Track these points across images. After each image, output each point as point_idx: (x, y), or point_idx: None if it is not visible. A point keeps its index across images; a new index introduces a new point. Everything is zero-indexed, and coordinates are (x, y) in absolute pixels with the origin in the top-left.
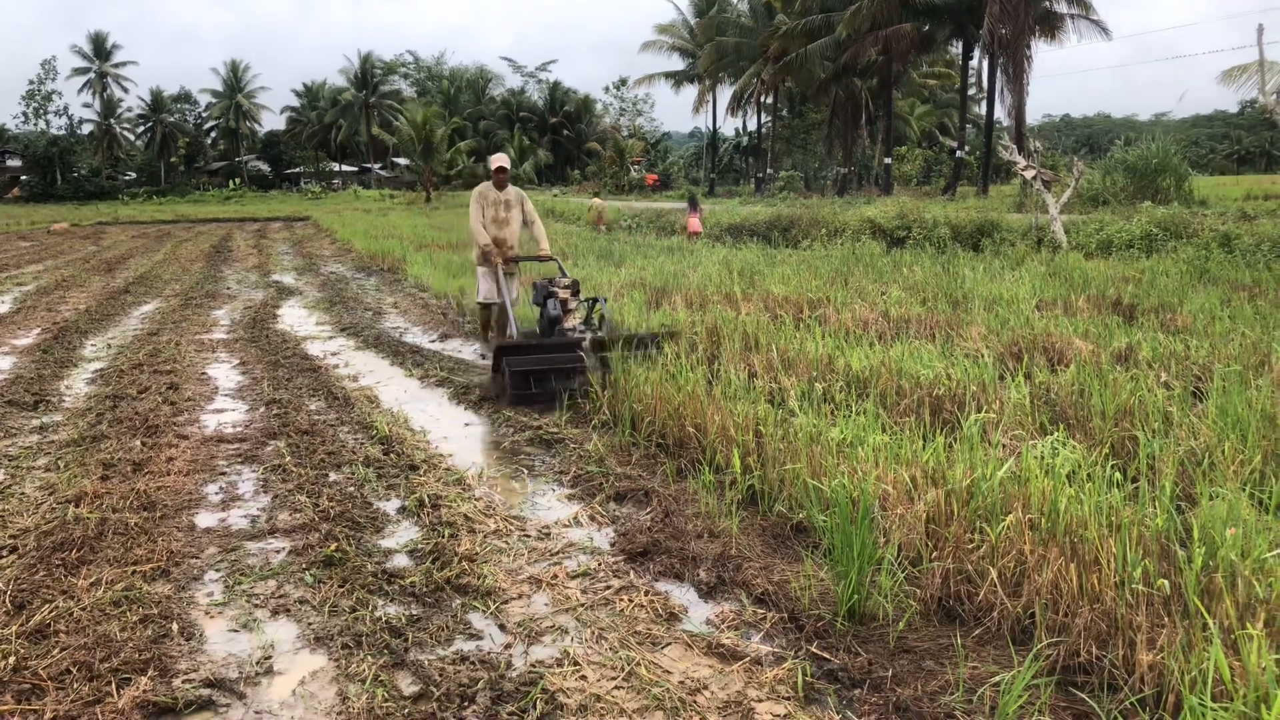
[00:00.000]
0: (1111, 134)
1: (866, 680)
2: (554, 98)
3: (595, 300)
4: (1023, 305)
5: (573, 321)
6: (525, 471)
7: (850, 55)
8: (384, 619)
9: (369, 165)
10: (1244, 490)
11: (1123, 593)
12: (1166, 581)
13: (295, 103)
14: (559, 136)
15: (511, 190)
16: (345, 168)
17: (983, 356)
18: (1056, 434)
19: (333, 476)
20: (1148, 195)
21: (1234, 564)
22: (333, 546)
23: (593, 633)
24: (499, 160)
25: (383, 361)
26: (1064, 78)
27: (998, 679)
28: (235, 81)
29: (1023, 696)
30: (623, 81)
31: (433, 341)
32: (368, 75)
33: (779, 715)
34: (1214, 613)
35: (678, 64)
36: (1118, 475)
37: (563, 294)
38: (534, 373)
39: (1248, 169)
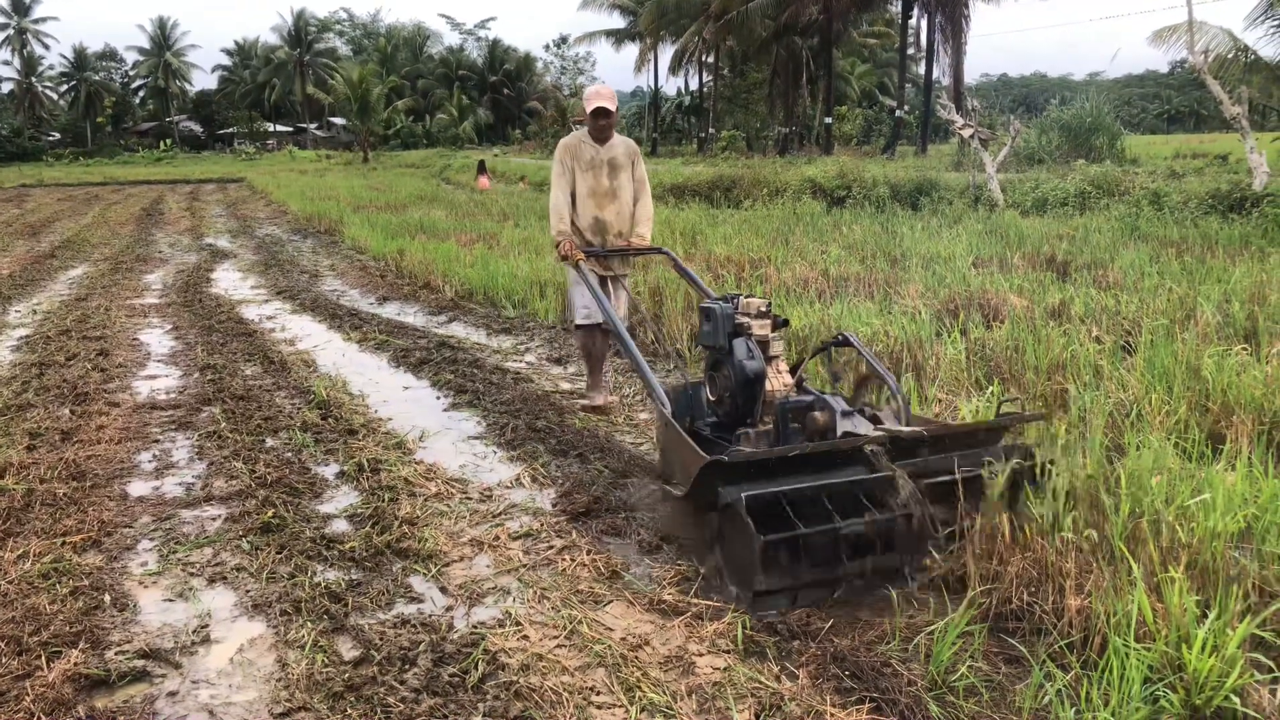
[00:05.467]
0: (1047, 93)
1: (805, 632)
2: (494, 56)
3: (835, 343)
4: (959, 263)
5: (781, 381)
6: (466, 433)
7: (791, 13)
8: (323, 584)
9: (304, 125)
10: (1169, 439)
11: (1053, 541)
12: (1094, 531)
13: (227, 61)
14: (499, 95)
15: (619, 143)
16: (280, 128)
17: (920, 314)
18: (992, 388)
19: (270, 442)
20: (1082, 154)
21: (1159, 511)
22: (270, 513)
23: (535, 593)
24: (599, 98)
25: (320, 325)
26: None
27: (933, 628)
28: (163, 39)
29: (956, 644)
30: (563, 39)
31: (372, 304)
32: (302, 33)
33: (719, 668)
34: (1139, 558)
35: (619, 22)
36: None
37: (758, 328)
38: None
39: (1178, 128)
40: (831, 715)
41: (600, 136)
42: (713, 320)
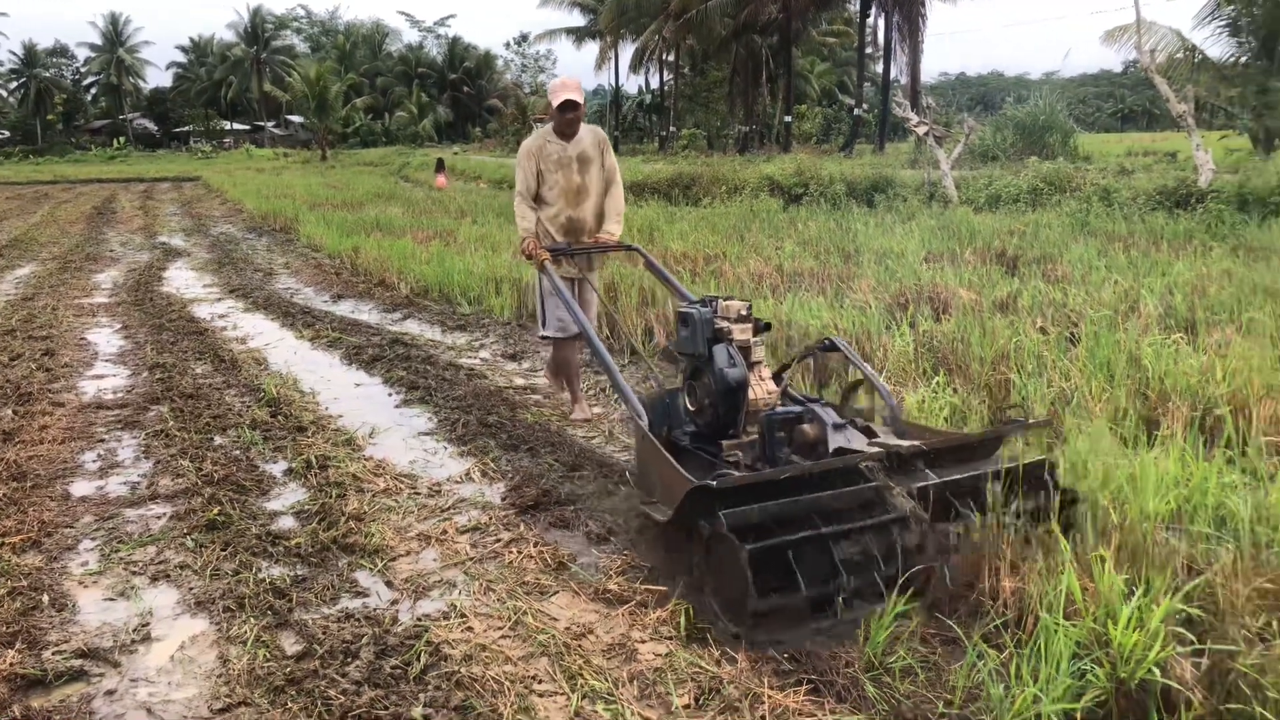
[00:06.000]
0: (1004, 92)
1: None
2: (453, 54)
3: (821, 348)
4: (911, 258)
5: (764, 389)
6: (417, 429)
7: (750, 12)
8: (268, 581)
9: (262, 123)
10: (1107, 426)
11: (991, 524)
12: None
13: (182, 58)
14: (459, 93)
15: (586, 134)
16: (237, 126)
17: (870, 307)
18: (938, 378)
19: (218, 440)
20: (1035, 151)
21: (1094, 492)
22: (216, 510)
23: (481, 585)
24: (566, 90)
25: (273, 323)
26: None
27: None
28: (116, 35)
29: (892, 625)
30: (524, 37)
31: (326, 302)
32: (258, 30)
33: (661, 654)
34: (1074, 539)
35: (579, 20)
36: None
37: (739, 333)
38: (791, 549)
39: (1131, 126)
40: (769, 697)
41: (568, 131)
42: (691, 326)
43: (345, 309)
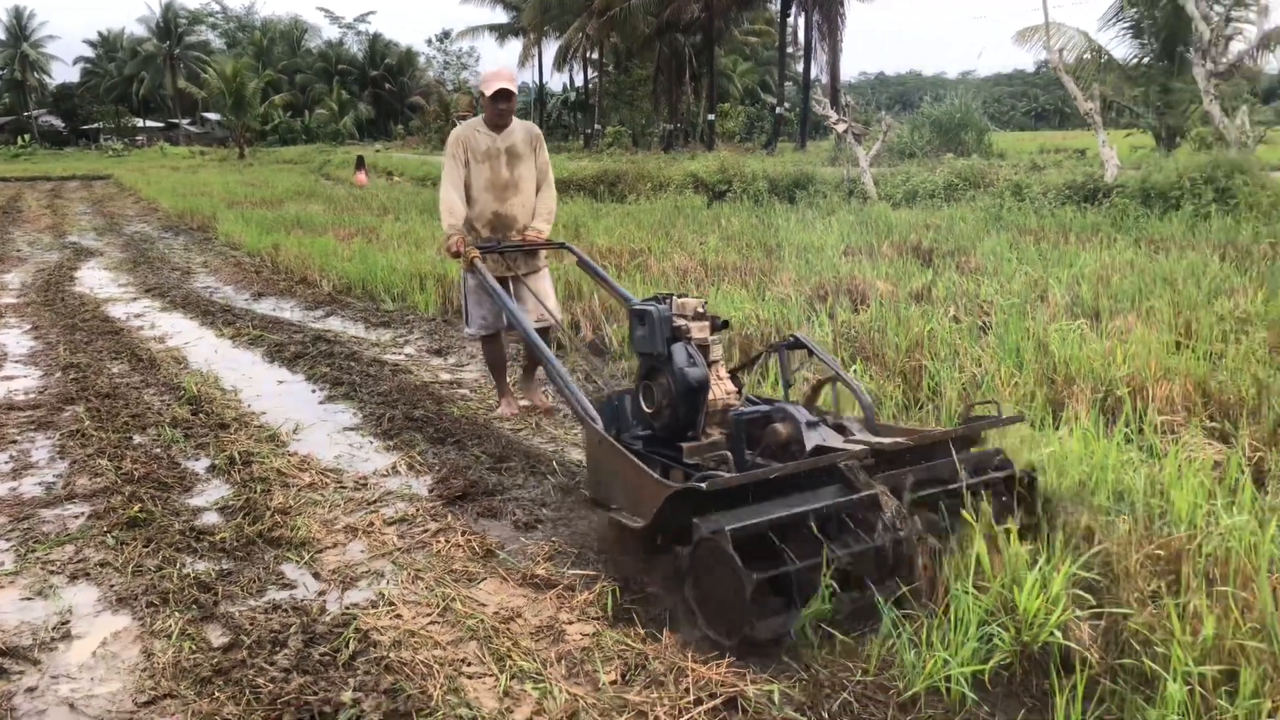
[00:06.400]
0: (921, 91)
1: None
2: (374, 50)
3: (785, 345)
4: (831, 252)
5: (724, 389)
6: (342, 425)
7: (672, 10)
8: (192, 575)
9: (176, 120)
10: (1016, 408)
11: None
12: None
13: (90, 53)
14: (380, 90)
15: (519, 129)
16: (150, 124)
17: (791, 299)
18: (856, 366)
19: (137, 439)
20: (951, 149)
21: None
22: (137, 508)
23: (409, 574)
24: (499, 79)
25: (192, 322)
26: (881, 36)
27: None
28: (19, 29)
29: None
30: (446, 34)
31: (246, 300)
32: (171, 25)
33: (588, 634)
34: (981, 513)
35: (501, 17)
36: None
37: (696, 330)
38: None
39: (1044, 125)
40: (693, 670)
41: (499, 123)
42: (648, 324)
43: (266, 307)
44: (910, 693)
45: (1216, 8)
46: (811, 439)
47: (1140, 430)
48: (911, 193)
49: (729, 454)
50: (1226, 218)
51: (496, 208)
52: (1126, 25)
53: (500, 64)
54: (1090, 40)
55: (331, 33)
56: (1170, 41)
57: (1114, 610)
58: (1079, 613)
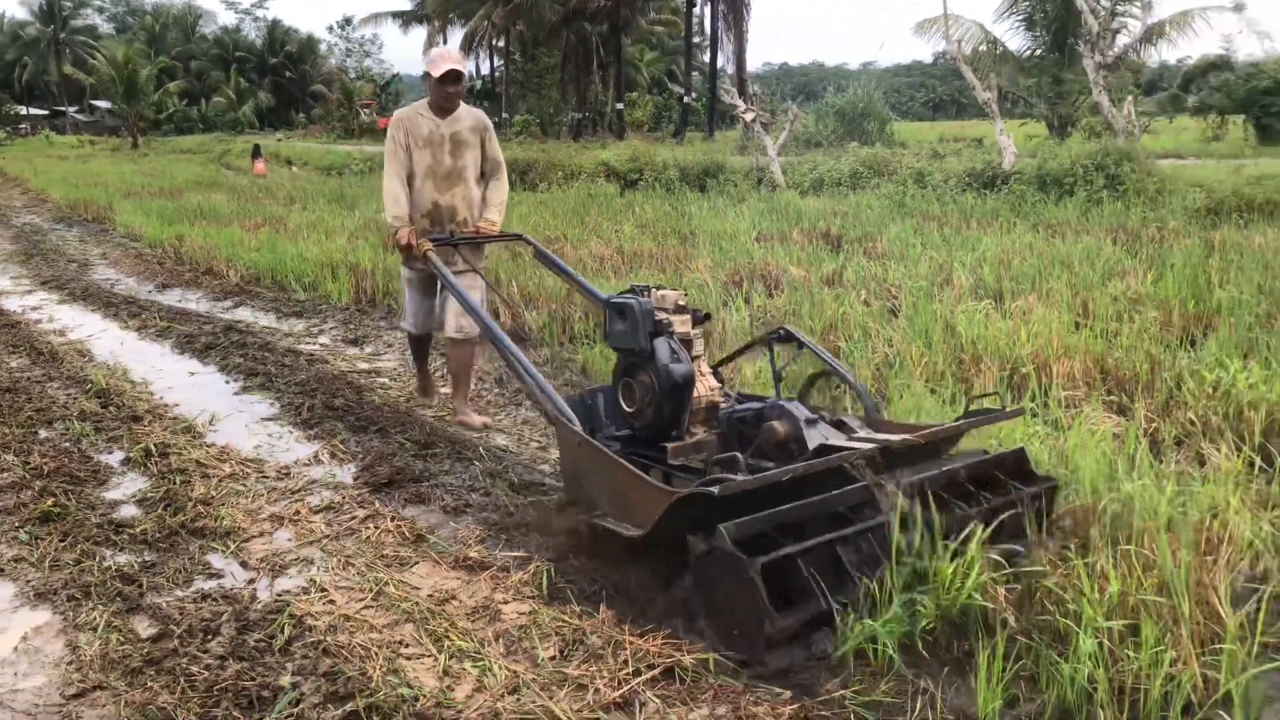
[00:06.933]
0: (824, 82)
1: (604, 577)
2: (273, 37)
3: (774, 337)
4: (743, 239)
5: (707, 385)
6: (259, 415)
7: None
8: (114, 568)
9: (62, 108)
10: (927, 386)
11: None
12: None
13: None
14: (281, 78)
15: (466, 115)
16: (35, 111)
17: (708, 285)
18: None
19: (44, 434)
20: (855, 138)
21: None
22: (50, 502)
23: (340, 561)
24: (447, 60)
25: (94, 314)
26: (783, 28)
27: None
28: None
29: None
30: (347, 21)
31: (150, 292)
32: (55, 8)
33: (524, 613)
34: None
35: (405, 3)
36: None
37: (679, 325)
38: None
39: (941, 115)
40: (631, 643)
41: (446, 106)
42: (629, 318)
43: (172, 298)
44: (839, 653)
45: (1103, 1)
46: (813, 437)
47: (1045, 405)
48: (818, 181)
49: (739, 455)
50: (1117, 203)
51: (436, 198)
52: (1020, 18)
53: (448, 47)
54: (986, 32)
55: (228, 18)
56: (1061, 34)
57: (1028, 571)
58: (993, 575)
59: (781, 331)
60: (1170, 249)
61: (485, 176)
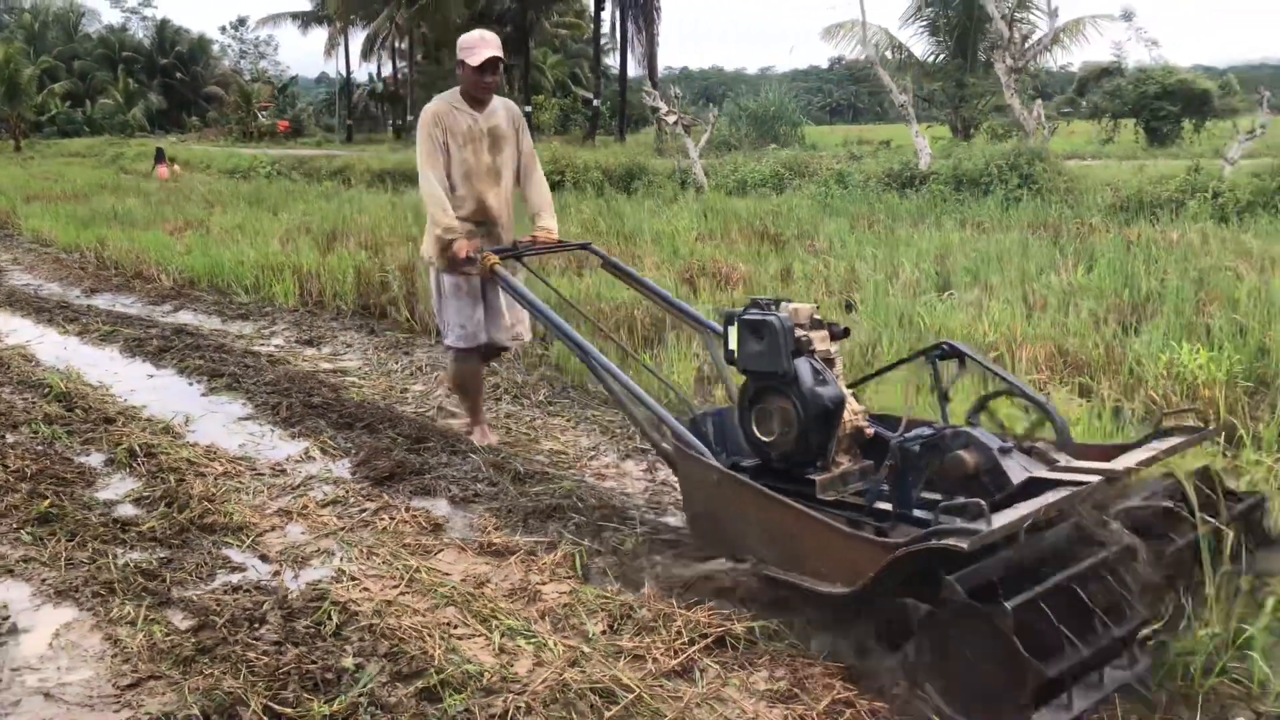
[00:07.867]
0: (724, 86)
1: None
2: (163, 37)
3: (937, 354)
4: (686, 237)
5: (851, 409)
6: (234, 415)
7: (485, 1)
8: (132, 565)
9: None
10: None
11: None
12: None
13: None
14: (172, 80)
15: (500, 107)
16: None
17: (664, 283)
18: None
19: (11, 438)
20: (770, 140)
21: None
22: (46, 503)
23: (361, 551)
24: (487, 45)
25: (26, 320)
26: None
27: None
28: None
29: None
30: (241, 21)
31: (80, 297)
32: None
33: (564, 592)
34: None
35: (304, 4)
36: None
37: (819, 342)
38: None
39: (838, 119)
40: (680, 615)
41: (482, 98)
42: (767, 336)
43: (104, 302)
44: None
45: (1005, 4)
46: (1012, 469)
47: None
48: (742, 182)
49: (982, 502)
50: (1035, 200)
51: (480, 201)
52: (924, 24)
53: (484, 31)
54: (892, 38)
55: (113, 17)
56: (964, 40)
57: None
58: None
59: (946, 347)
60: (1093, 244)
61: (521, 174)
